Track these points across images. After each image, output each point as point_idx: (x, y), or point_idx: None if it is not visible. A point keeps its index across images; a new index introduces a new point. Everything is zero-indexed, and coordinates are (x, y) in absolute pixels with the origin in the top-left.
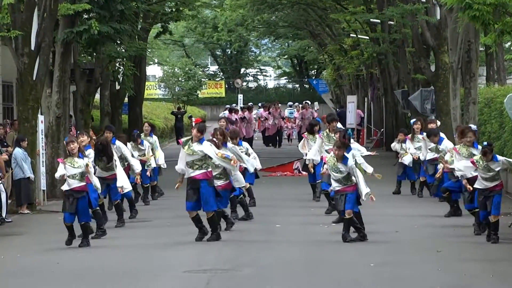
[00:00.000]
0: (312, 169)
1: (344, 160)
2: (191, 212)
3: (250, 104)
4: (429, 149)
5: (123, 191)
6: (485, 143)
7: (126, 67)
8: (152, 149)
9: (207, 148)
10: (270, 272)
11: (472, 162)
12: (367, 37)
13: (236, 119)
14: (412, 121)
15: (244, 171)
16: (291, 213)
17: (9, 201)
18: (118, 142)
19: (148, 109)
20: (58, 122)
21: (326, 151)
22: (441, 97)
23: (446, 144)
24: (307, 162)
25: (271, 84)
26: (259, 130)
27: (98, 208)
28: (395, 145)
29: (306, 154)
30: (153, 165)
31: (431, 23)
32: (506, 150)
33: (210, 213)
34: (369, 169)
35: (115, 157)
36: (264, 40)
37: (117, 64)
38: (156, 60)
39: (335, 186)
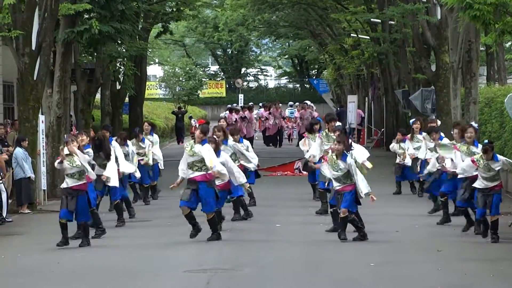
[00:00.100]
0: (313, 164)
1: (343, 157)
2: (184, 209)
3: (250, 104)
4: (428, 149)
5: (107, 182)
6: (486, 141)
7: (126, 67)
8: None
9: (205, 151)
10: (270, 272)
11: (473, 161)
12: (368, 37)
13: (236, 119)
14: (411, 120)
15: (245, 170)
16: (291, 213)
17: (9, 201)
18: (114, 143)
19: (149, 109)
20: (58, 122)
21: (325, 150)
22: (442, 96)
23: (446, 142)
24: (309, 158)
25: (271, 84)
26: (260, 130)
27: (95, 208)
28: (393, 146)
29: (307, 151)
30: (151, 162)
31: (431, 22)
32: (506, 149)
33: (210, 214)
34: (368, 165)
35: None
36: (265, 40)
37: (118, 64)
38: (156, 60)
39: (335, 185)
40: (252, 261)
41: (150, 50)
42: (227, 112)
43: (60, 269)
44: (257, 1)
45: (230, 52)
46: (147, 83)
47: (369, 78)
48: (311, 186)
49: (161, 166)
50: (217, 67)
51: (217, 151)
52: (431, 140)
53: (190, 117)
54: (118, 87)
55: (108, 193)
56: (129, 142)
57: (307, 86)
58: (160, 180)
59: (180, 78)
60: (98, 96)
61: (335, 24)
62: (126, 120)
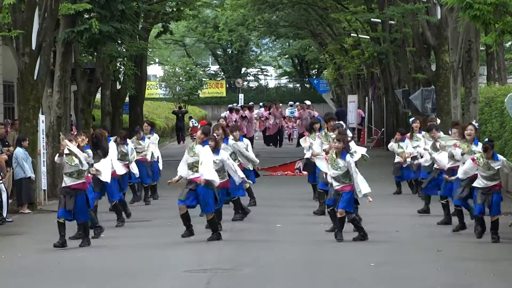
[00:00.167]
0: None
1: (343, 154)
2: (181, 207)
3: (251, 103)
4: (424, 149)
5: (97, 174)
6: (486, 139)
7: (127, 66)
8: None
9: (202, 154)
10: (271, 272)
11: (473, 159)
12: (368, 37)
13: (236, 120)
14: (411, 119)
15: (243, 170)
16: (292, 213)
17: (10, 201)
18: (112, 143)
19: (149, 109)
20: (59, 122)
21: (324, 150)
22: (442, 96)
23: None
24: (310, 157)
25: (272, 83)
26: (260, 129)
27: (92, 209)
28: (392, 145)
29: (308, 147)
30: (149, 157)
31: (431, 22)
32: (507, 149)
33: (209, 215)
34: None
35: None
36: (265, 40)
37: (118, 64)
38: (157, 60)
39: (334, 185)
40: (252, 261)
41: (150, 50)
42: (228, 112)
43: (60, 269)
44: (257, 1)
45: (230, 52)
46: (147, 83)
47: (369, 78)
48: (311, 186)
49: (160, 166)
50: (217, 67)
51: (216, 150)
52: (431, 139)
53: (190, 117)
54: (118, 87)
55: (105, 194)
56: (128, 140)
57: (307, 86)
58: (160, 180)
59: (180, 78)
60: (98, 96)
61: (335, 24)
62: (127, 120)
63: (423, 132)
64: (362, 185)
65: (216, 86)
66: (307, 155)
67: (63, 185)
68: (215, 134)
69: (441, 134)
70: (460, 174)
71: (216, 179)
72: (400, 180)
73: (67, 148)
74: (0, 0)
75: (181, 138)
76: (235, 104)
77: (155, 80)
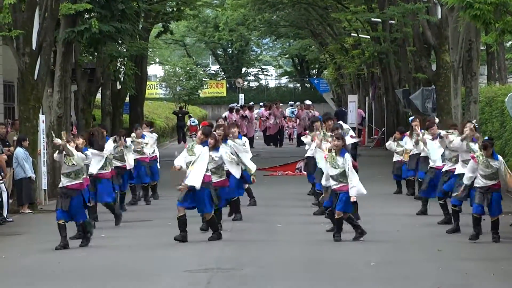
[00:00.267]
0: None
1: (341, 152)
2: (180, 209)
3: (251, 103)
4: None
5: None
6: (486, 137)
7: (127, 66)
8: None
9: (199, 153)
10: (271, 272)
11: (472, 157)
12: (368, 36)
13: (235, 120)
14: (410, 118)
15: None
16: (292, 213)
17: (10, 201)
18: (109, 142)
19: (149, 109)
20: (59, 122)
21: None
22: (442, 96)
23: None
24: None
25: (272, 83)
26: (260, 129)
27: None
28: (389, 144)
29: (310, 141)
30: (147, 153)
31: (432, 22)
32: (507, 149)
33: (208, 215)
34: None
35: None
36: (265, 40)
37: (118, 64)
38: (157, 60)
39: (332, 184)
40: (253, 261)
41: (150, 49)
42: (228, 112)
43: (60, 269)
44: (258, 0)
45: (230, 51)
46: (148, 82)
47: (369, 78)
48: (312, 186)
49: (158, 165)
50: (218, 66)
51: (216, 147)
52: (430, 137)
53: (190, 116)
54: (119, 86)
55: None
56: (128, 139)
57: (308, 85)
58: (160, 180)
59: (181, 78)
60: (98, 95)
61: (336, 23)
62: (127, 119)
63: (423, 131)
64: (354, 182)
65: (216, 86)
66: (309, 153)
67: (60, 185)
68: (215, 133)
69: (442, 132)
70: (465, 180)
71: (197, 185)
72: (399, 179)
73: (62, 146)
74: (1, 0)
75: (182, 138)
76: (235, 104)
77: (155, 80)
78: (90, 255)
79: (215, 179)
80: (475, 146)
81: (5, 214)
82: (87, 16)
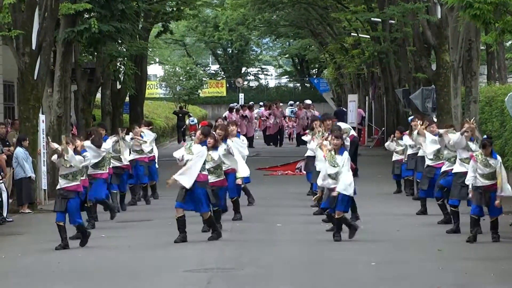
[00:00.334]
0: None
1: (340, 151)
2: (178, 210)
3: (251, 103)
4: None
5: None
6: (485, 136)
7: (127, 66)
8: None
9: (196, 153)
10: (271, 271)
11: (471, 156)
12: (368, 36)
13: (234, 120)
14: (410, 118)
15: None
16: (292, 212)
17: (10, 201)
18: (107, 141)
19: (149, 109)
20: (59, 122)
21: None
22: (442, 95)
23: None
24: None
25: (272, 83)
26: (260, 129)
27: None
28: (389, 144)
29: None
30: (146, 150)
31: (432, 22)
32: (507, 149)
33: (205, 214)
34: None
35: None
36: (265, 39)
37: (118, 64)
38: (157, 60)
39: (330, 183)
40: (253, 261)
41: (150, 49)
42: (228, 111)
43: (60, 269)
44: (257, 0)
45: (230, 51)
46: (148, 82)
47: (369, 77)
48: (311, 186)
49: (157, 165)
50: (218, 66)
51: (215, 147)
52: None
53: (189, 115)
54: (119, 86)
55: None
56: (127, 137)
57: (308, 85)
58: (159, 179)
59: (181, 78)
60: (98, 95)
61: (336, 23)
62: (127, 119)
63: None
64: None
65: (216, 85)
66: (309, 153)
67: (58, 186)
68: (215, 133)
69: (441, 130)
70: (468, 181)
71: (187, 185)
72: (399, 179)
73: (60, 149)
74: (0, 0)
75: (182, 138)
76: (235, 104)
77: (155, 79)
78: (90, 255)
79: (213, 179)
80: (473, 145)
81: (5, 214)
82: (87, 16)
